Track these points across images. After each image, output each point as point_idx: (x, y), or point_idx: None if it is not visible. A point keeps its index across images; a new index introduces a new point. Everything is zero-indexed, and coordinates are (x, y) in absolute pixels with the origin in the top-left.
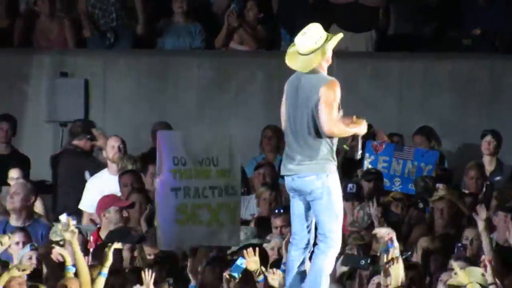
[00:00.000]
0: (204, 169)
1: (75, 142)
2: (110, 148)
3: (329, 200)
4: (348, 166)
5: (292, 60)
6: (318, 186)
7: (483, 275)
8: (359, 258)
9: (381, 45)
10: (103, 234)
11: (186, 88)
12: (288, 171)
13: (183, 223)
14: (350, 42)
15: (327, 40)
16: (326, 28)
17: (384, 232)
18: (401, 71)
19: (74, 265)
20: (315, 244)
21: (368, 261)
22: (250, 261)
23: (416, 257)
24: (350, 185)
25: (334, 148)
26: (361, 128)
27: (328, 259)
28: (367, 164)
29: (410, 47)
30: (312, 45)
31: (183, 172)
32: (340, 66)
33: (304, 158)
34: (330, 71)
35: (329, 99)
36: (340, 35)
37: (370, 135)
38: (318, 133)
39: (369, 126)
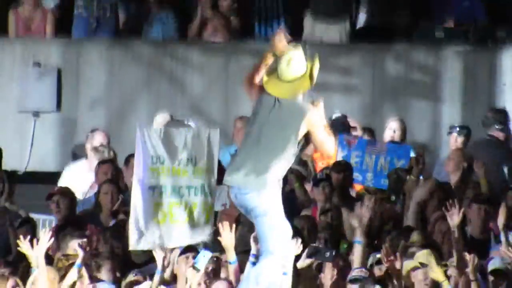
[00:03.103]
0: (182, 169)
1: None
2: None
3: (269, 216)
4: None
5: (274, 87)
6: (258, 203)
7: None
8: (324, 250)
9: (354, 36)
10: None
11: (159, 78)
12: (231, 182)
13: (161, 222)
14: (325, 33)
15: (309, 66)
16: (301, 17)
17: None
18: (373, 63)
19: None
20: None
21: (333, 253)
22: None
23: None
24: (319, 174)
25: (288, 166)
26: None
27: (269, 272)
28: (339, 158)
29: (382, 38)
30: (297, 72)
31: (161, 170)
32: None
33: (251, 172)
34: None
35: (319, 122)
36: (317, 61)
37: (345, 128)
38: (284, 155)
39: (344, 117)
